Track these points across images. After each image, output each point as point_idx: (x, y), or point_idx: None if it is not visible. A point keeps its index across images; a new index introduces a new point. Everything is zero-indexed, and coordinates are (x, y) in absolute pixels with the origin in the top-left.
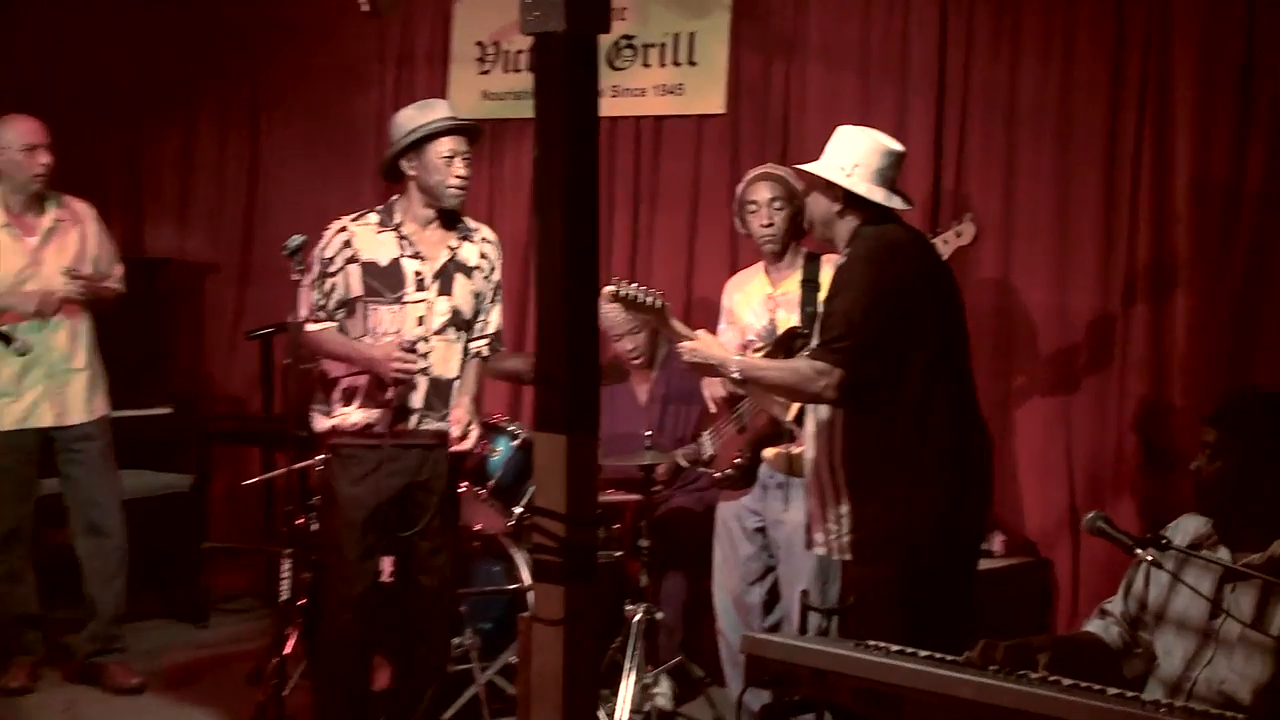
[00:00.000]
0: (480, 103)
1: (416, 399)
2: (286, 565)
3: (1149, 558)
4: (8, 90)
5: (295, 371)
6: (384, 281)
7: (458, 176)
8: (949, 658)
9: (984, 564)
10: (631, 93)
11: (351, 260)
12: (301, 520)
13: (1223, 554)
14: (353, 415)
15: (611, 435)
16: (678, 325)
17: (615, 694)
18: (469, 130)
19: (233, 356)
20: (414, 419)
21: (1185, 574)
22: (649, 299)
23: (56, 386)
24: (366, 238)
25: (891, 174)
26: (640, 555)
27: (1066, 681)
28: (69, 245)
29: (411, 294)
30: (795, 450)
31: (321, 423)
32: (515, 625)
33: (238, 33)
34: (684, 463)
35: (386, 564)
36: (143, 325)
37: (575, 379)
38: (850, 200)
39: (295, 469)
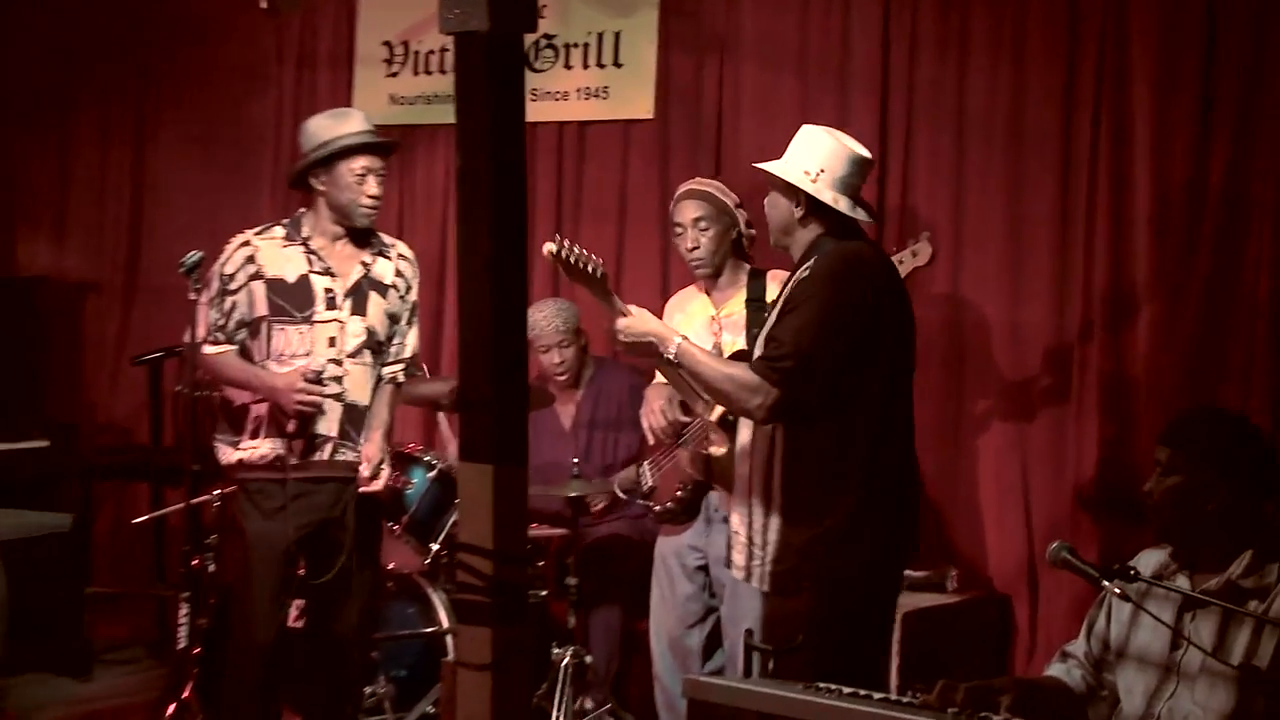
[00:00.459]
0: (388, 107)
1: (330, 427)
2: (183, 610)
3: (1116, 590)
4: None
5: (189, 398)
6: (291, 300)
7: (370, 196)
8: (905, 699)
9: (937, 600)
10: (552, 96)
11: (256, 277)
12: (198, 561)
13: (1181, 582)
14: (261, 447)
15: (535, 464)
16: (616, 300)
17: None
18: (385, 147)
19: (116, 383)
20: (328, 449)
21: (1147, 606)
22: (591, 266)
23: None
24: (272, 253)
25: (857, 183)
26: (567, 594)
27: None
28: None
29: (322, 313)
30: (715, 452)
31: (227, 455)
32: (432, 672)
33: (120, 32)
34: (621, 494)
35: (293, 607)
36: (16, 350)
37: (503, 403)
38: (813, 207)
39: (190, 505)
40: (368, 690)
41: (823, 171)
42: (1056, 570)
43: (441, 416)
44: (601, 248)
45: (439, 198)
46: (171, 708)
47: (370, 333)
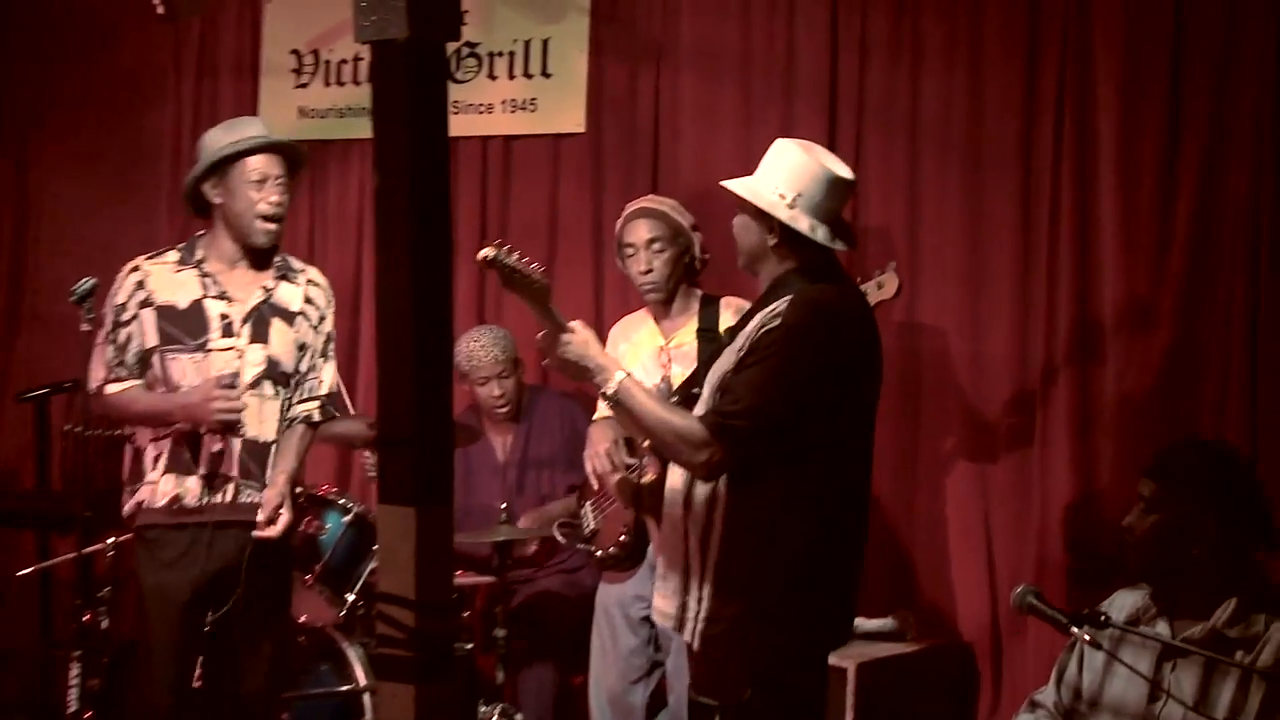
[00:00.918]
0: (296, 121)
1: (229, 465)
2: (73, 671)
3: (1086, 637)
4: None
5: (80, 438)
6: (183, 327)
7: (268, 203)
8: None
9: (894, 649)
10: (476, 109)
11: (145, 304)
12: (90, 616)
13: (1161, 628)
14: (160, 486)
15: (463, 505)
16: (557, 314)
17: None
18: (284, 150)
19: None
20: (229, 490)
21: (1122, 654)
22: (532, 274)
23: None
24: (163, 278)
25: (836, 207)
26: (496, 647)
27: None
28: None
29: (217, 340)
30: (645, 479)
31: (127, 500)
32: None
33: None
34: (560, 539)
35: (198, 666)
36: None
37: (426, 440)
38: (788, 236)
39: (81, 555)
40: None
41: (799, 195)
42: (1022, 616)
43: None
44: None
45: (353, 219)
46: None
47: (272, 362)
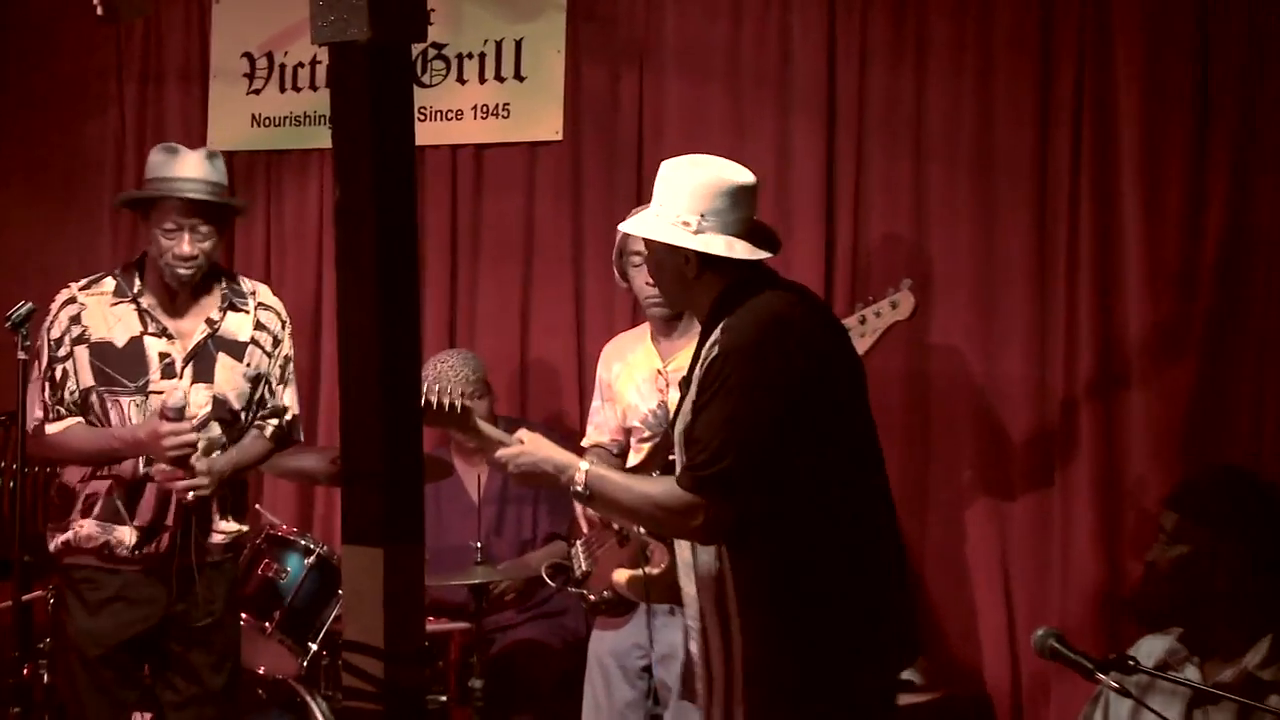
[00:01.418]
0: (249, 130)
1: (169, 514)
2: None
3: (1114, 683)
4: None
5: (18, 477)
6: (121, 367)
7: (174, 255)
8: None
9: (906, 698)
10: (445, 116)
11: (80, 341)
12: (28, 670)
13: (1191, 673)
14: (86, 530)
15: (433, 547)
16: (488, 429)
17: None
18: (204, 208)
19: None
20: (165, 539)
21: (1151, 701)
22: (443, 404)
23: None
24: (98, 312)
25: (748, 214)
26: (472, 700)
27: None
28: None
29: (158, 383)
30: (654, 571)
31: (54, 540)
32: None
33: None
34: (549, 581)
35: None
36: None
37: (394, 474)
38: (706, 259)
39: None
40: None
41: (703, 216)
42: (1043, 661)
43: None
44: (503, 290)
45: (312, 236)
46: None
47: (219, 403)
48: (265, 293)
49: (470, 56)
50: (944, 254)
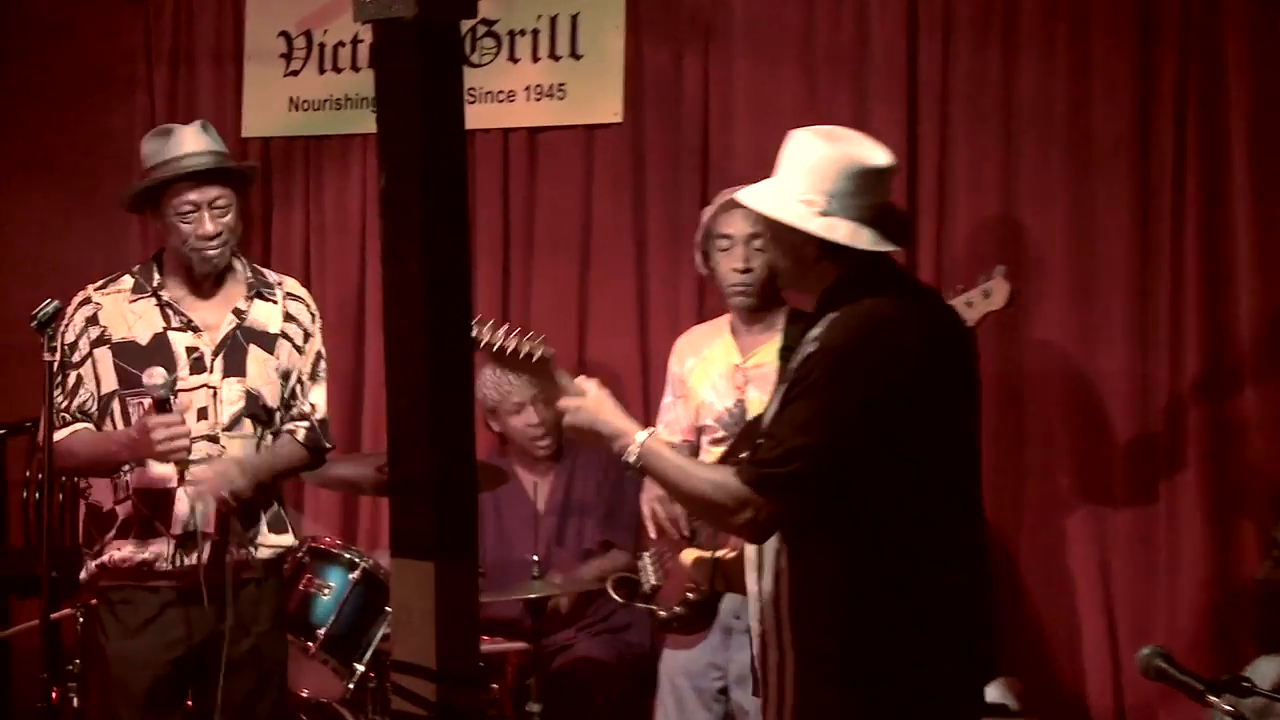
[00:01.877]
0: (286, 115)
1: (207, 522)
2: None
3: (1227, 706)
4: None
5: (43, 488)
6: (147, 367)
7: (200, 237)
8: None
9: None
10: (496, 98)
11: (100, 342)
12: (57, 694)
13: None
14: (122, 552)
15: (493, 561)
16: (564, 379)
17: None
18: (217, 174)
19: None
20: (206, 549)
21: None
22: (528, 348)
23: None
24: (116, 310)
25: (877, 201)
26: None
27: None
28: None
29: (187, 379)
30: (727, 554)
31: (88, 565)
32: None
33: None
34: (615, 596)
35: None
36: None
37: (446, 483)
38: (827, 244)
39: (47, 623)
40: None
41: (830, 197)
42: (1148, 682)
43: None
44: (559, 283)
45: (354, 229)
46: None
47: (252, 397)
48: (292, 284)
49: (523, 33)
50: (1037, 242)
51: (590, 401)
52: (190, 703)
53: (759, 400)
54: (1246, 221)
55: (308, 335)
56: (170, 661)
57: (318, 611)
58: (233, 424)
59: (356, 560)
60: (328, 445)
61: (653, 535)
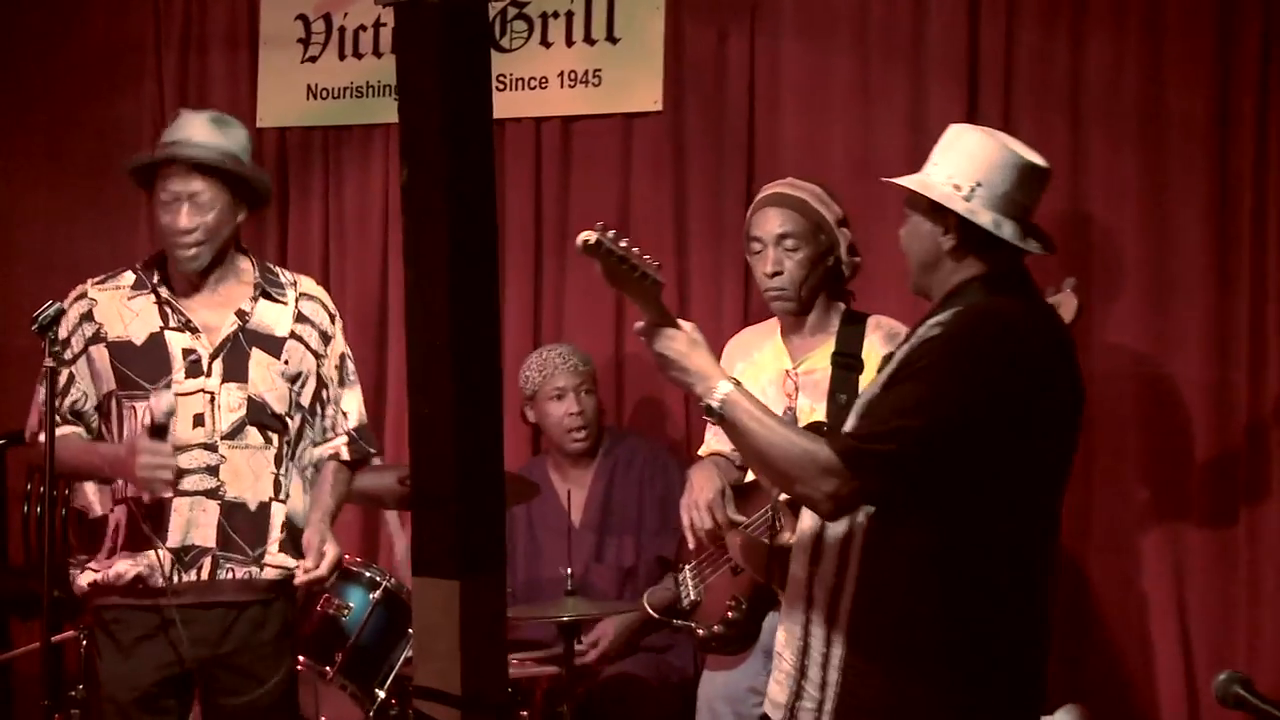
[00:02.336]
0: (304, 104)
1: (205, 536)
2: None
3: None
4: None
5: (46, 503)
6: (141, 367)
7: (173, 231)
8: None
9: None
10: (527, 85)
11: (95, 340)
12: (59, 718)
13: None
14: (117, 567)
15: (526, 578)
16: (665, 312)
17: None
18: (206, 168)
19: None
20: (206, 565)
21: None
22: (644, 267)
23: None
24: (112, 307)
25: (1027, 202)
26: None
27: None
28: None
29: (182, 382)
30: (785, 540)
31: (80, 579)
32: None
33: None
34: (652, 613)
35: None
36: None
37: (471, 497)
38: (968, 237)
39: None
40: None
41: (978, 185)
42: (1226, 710)
43: (390, 515)
44: (596, 284)
45: (376, 224)
46: None
47: (255, 404)
48: (307, 283)
49: (556, 16)
50: (1107, 237)
51: (681, 341)
52: None
53: (809, 408)
54: None
55: (326, 337)
56: (163, 680)
57: (336, 633)
58: (234, 432)
59: (378, 579)
60: (372, 451)
61: (691, 546)
